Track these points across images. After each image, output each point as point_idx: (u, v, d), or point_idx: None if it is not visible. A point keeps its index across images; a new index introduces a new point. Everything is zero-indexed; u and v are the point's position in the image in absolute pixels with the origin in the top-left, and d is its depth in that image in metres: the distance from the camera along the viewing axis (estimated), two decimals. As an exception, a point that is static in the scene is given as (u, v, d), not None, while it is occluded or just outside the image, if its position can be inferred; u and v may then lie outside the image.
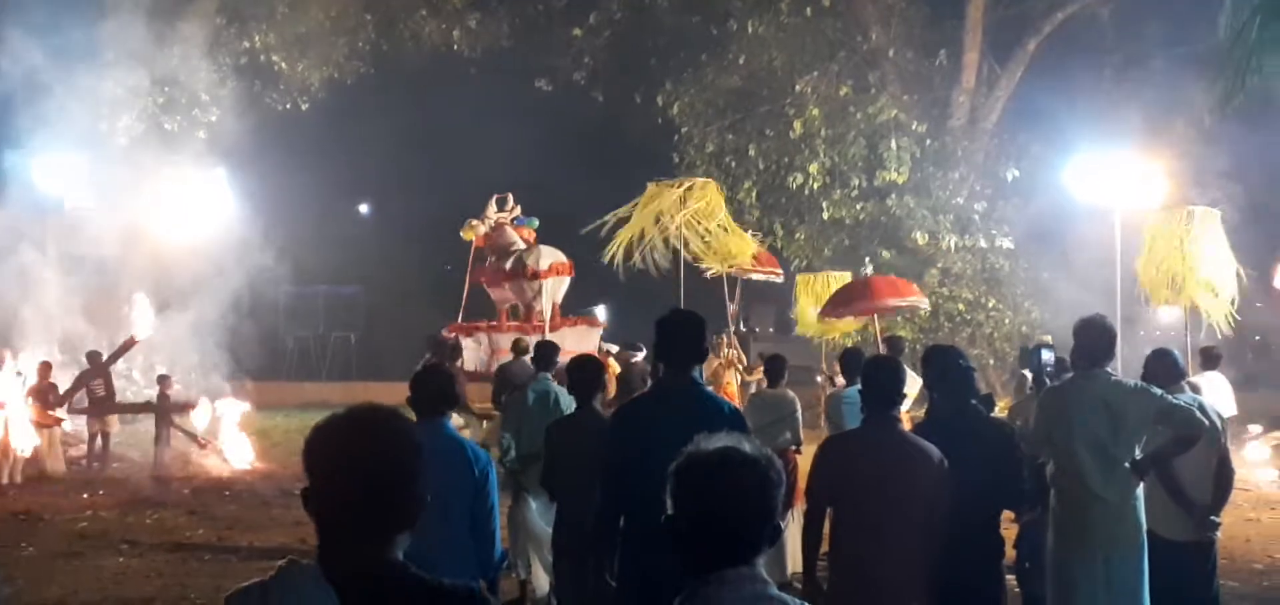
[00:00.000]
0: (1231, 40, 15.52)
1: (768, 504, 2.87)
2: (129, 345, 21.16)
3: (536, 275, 22.03)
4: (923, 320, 25.78)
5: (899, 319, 24.57)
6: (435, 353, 14.70)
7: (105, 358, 20.76)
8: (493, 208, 23.37)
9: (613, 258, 21.32)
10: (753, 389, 17.74)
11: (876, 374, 6.49)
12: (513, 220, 23.29)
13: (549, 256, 22.36)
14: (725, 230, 21.41)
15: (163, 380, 20.47)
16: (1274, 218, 24.07)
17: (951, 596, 6.14)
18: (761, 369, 14.55)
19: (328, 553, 2.78)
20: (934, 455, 6.11)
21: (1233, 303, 19.82)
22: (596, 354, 17.60)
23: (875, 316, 20.51)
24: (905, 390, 6.78)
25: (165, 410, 20.09)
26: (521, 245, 22.80)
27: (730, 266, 21.79)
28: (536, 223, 23.46)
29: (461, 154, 34.25)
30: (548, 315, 21.95)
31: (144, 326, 21.26)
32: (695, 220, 20.88)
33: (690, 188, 21.33)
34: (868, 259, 27.20)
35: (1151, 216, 20.41)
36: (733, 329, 22.38)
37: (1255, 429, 20.07)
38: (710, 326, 6.92)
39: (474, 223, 23.13)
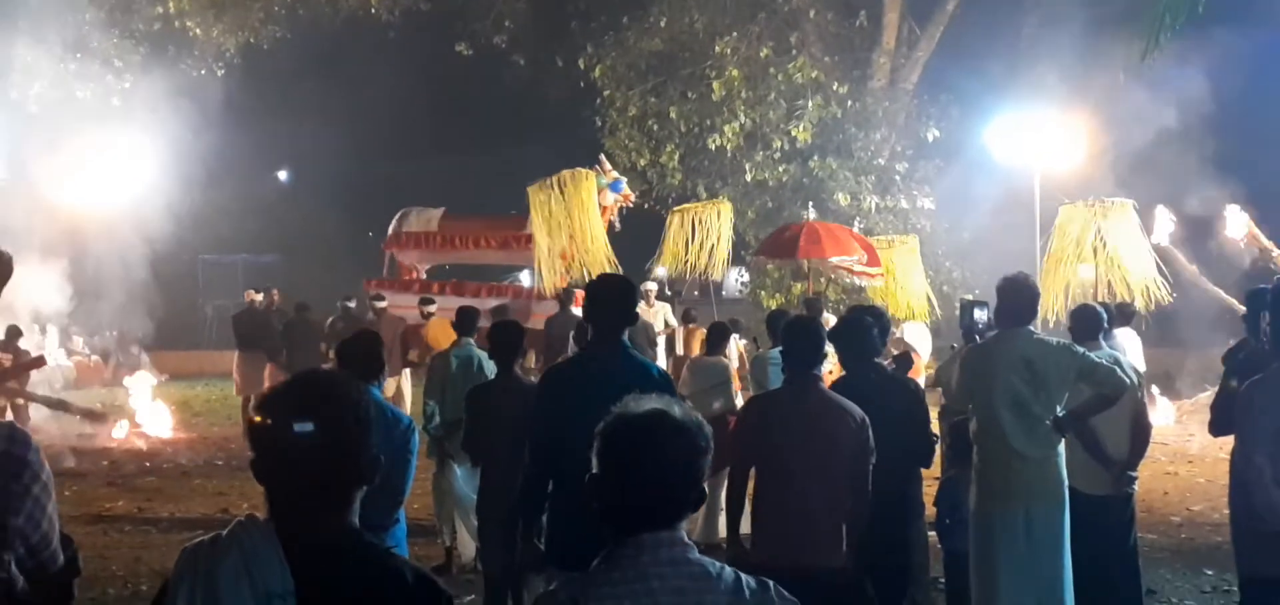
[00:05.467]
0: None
1: (694, 470, 2.82)
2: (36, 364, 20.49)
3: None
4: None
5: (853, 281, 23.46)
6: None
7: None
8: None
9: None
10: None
11: (794, 335, 6.55)
12: (608, 184, 22.47)
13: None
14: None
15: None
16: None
17: (867, 552, 6.28)
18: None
19: (281, 518, 2.75)
20: (854, 413, 6.20)
21: (1154, 284, 19.97)
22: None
23: (808, 265, 20.17)
24: (826, 350, 6.83)
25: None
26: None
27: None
28: (623, 185, 22.52)
29: (380, 120, 33.93)
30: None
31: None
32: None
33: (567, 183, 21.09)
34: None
35: (1063, 212, 20.57)
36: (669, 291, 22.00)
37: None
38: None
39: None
